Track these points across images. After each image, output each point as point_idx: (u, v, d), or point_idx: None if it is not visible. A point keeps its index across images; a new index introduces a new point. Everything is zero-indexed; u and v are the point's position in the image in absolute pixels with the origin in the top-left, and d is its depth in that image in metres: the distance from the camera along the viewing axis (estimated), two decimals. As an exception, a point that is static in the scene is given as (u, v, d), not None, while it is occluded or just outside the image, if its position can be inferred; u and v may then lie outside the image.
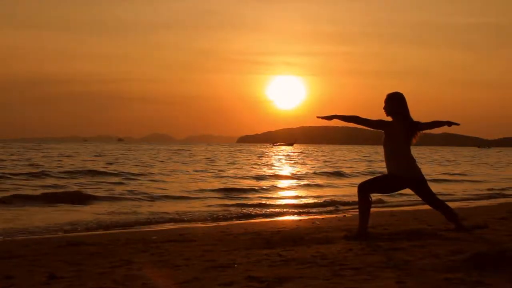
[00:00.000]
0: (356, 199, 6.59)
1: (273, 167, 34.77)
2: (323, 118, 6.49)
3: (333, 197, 15.91)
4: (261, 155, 61.24)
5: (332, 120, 6.47)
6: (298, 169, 32.54)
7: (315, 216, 11.57)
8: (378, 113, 6.63)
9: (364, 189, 6.38)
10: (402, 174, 6.36)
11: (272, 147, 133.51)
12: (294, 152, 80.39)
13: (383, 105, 6.51)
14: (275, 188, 20.05)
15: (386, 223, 8.00)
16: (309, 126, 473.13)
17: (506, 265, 4.40)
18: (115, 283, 4.51)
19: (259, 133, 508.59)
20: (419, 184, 6.44)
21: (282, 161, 45.64)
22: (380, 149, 6.69)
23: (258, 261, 5.19)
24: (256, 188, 19.47)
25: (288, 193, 18.34)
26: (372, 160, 51.11)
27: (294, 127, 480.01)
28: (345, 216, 11.22)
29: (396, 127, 6.38)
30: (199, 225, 10.41)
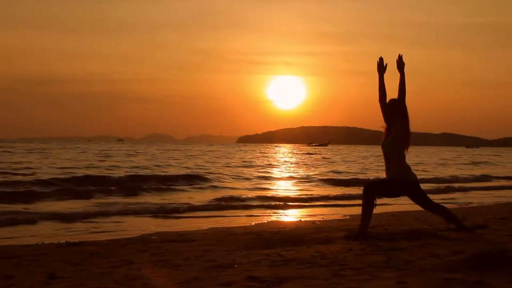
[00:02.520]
0: None
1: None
2: (401, 63, 6.47)
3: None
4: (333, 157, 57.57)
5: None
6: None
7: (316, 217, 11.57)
8: (379, 112, 6.63)
9: (370, 190, 6.37)
10: (403, 178, 6.34)
11: (309, 147, 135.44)
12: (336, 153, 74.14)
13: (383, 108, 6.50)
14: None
15: (386, 223, 7.99)
16: (309, 126, 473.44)
17: (506, 265, 4.39)
18: (116, 283, 4.51)
19: (259, 133, 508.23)
20: (416, 188, 6.42)
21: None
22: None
23: (258, 261, 5.19)
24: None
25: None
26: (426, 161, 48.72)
27: (294, 127, 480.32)
28: (345, 216, 11.22)
29: (401, 129, 6.36)
30: (199, 225, 10.40)
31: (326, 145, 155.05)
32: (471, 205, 13.54)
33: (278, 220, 11.20)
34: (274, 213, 12.46)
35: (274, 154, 65.40)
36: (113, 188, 16.92)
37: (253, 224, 10.04)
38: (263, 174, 26.57)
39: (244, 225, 9.86)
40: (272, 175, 26.46)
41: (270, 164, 37.76)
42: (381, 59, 6.60)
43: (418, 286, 3.98)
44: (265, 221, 10.63)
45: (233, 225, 9.81)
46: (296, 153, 71.09)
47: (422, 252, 5.25)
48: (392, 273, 4.40)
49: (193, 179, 21.67)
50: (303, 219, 10.75)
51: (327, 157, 56.51)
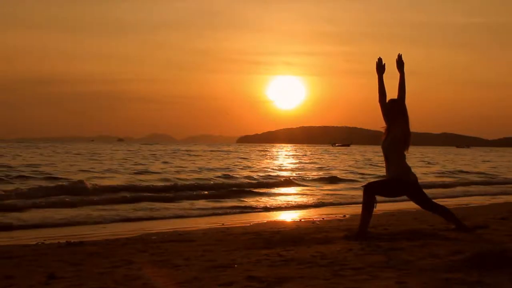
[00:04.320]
0: None
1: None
2: (400, 62, 6.47)
3: None
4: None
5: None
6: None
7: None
8: (378, 113, 6.62)
9: (370, 190, 6.35)
10: (402, 178, 6.33)
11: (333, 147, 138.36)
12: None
13: (383, 108, 6.49)
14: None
15: (386, 223, 7.99)
16: (309, 126, 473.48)
17: (506, 265, 4.39)
18: (116, 283, 4.51)
19: (259, 133, 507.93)
20: (416, 188, 6.42)
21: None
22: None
23: (258, 261, 5.19)
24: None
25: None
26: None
27: (294, 127, 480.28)
28: (345, 216, 11.22)
29: (400, 129, 6.35)
30: (199, 225, 10.40)
31: (348, 145, 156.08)
32: (471, 205, 13.54)
33: (278, 220, 11.20)
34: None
35: (319, 156, 62.10)
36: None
37: (252, 224, 10.04)
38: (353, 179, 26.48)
39: (244, 225, 9.86)
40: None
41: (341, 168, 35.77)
42: (379, 60, 6.60)
43: (418, 286, 3.97)
44: (265, 221, 10.64)
45: (233, 225, 9.82)
46: (337, 154, 68.74)
47: (422, 252, 5.25)
48: (392, 273, 4.40)
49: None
50: (303, 219, 10.75)
51: (370, 158, 55.78)
